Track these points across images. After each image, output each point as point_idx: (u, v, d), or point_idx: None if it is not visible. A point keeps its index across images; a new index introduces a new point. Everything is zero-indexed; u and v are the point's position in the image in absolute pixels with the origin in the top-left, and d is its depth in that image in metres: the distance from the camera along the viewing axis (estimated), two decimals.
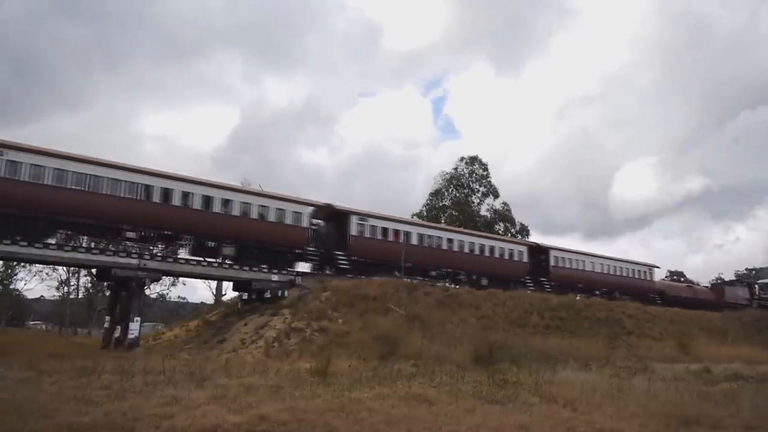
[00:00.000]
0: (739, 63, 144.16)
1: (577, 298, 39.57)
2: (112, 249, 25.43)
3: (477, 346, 20.97)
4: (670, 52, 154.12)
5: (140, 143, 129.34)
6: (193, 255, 28.18)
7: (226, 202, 27.88)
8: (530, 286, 39.71)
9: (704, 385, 15.57)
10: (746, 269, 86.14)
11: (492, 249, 38.89)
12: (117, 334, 24.57)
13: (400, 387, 11.69)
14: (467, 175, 64.12)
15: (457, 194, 63.24)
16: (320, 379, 12.42)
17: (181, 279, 51.24)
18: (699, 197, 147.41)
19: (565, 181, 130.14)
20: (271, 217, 29.35)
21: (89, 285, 58.17)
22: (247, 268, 28.29)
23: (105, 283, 42.37)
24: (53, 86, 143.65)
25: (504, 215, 63.39)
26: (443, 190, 63.38)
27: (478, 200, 63.97)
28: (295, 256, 30.79)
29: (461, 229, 40.56)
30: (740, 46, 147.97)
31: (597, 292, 42.60)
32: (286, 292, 28.29)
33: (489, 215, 63.07)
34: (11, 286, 62.45)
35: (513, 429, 8.59)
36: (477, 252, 37.99)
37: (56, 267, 51.65)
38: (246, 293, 29.35)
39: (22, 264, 50.26)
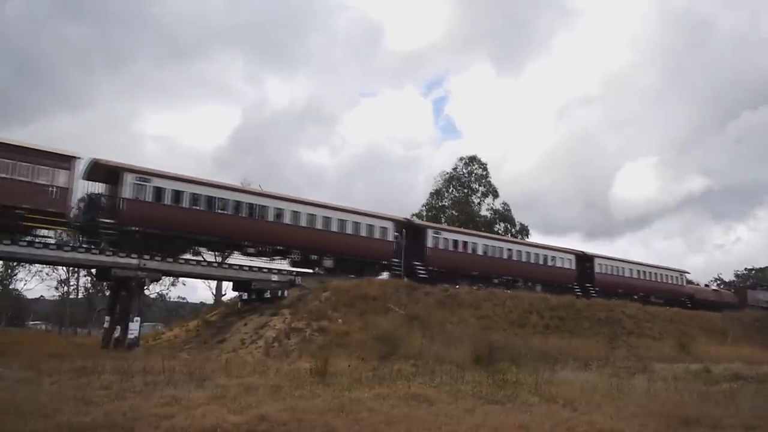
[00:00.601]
0: (740, 63, 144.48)
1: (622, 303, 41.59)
2: (112, 249, 25.44)
3: (477, 346, 20.98)
4: (671, 53, 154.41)
5: (141, 143, 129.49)
6: (298, 267, 30.74)
7: (326, 220, 31.05)
8: (578, 292, 41.63)
9: (704, 385, 15.57)
10: (745, 269, 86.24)
11: (545, 258, 41.56)
12: (117, 334, 24.55)
13: (399, 387, 11.69)
14: (467, 175, 64.15)
15: (457, 194, 63.27)
16: (320, 379, 12.41)
17: (180, 279, 51.35)
18: (700, 197, 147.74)
19: (565, 181, 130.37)
20: (363, 232, 32.51)
21: (89, 285, 58.23)
22: (247, 268, 28.32)
23: (105, 283, 42.43)
24: (55, 86, 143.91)
25: (504, 215, 63.40)
26: (443, 190, 63.41)
27: (478, 200, 64.01)
28: (382, 266, 33.64)
29: (519, 240, 42.91)
30: (741, 47, 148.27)
31: (635, 297, 44.67)
32: (285, 292, 28.29)
33: (489, 215, 63.09)
34: (11, 286, 62.52)
35: (513, 429, 8.59)
36: (532, 261, 40.55)
37: (56, 267, 51.74)
38: (246, 293, 29.34)
39: (22, 264, 50.38)
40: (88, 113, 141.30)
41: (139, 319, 24.54)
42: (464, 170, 64.25)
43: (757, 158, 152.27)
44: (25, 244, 23.30)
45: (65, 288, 59.27)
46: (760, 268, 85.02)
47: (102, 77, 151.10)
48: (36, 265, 49.11)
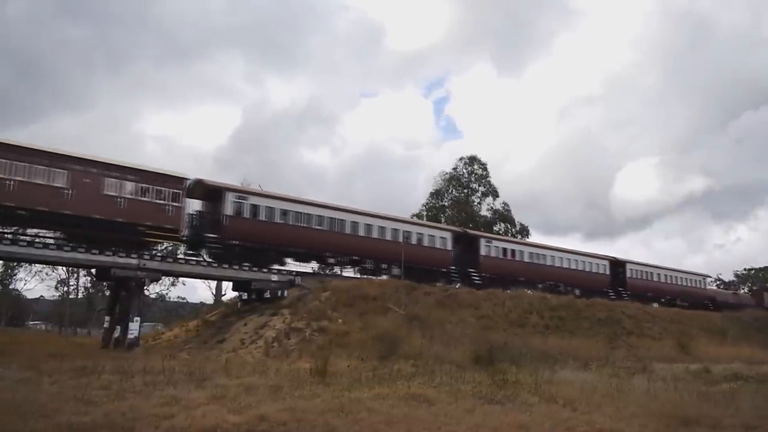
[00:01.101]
0: (742, 63, 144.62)
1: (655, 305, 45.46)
2: (112, 249, 25.48)
3: (477, 346, 20.99)
4: (673, 53, 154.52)
5: (142, 143, 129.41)
6: (369, 275, 33.16)
7: (394, 232, 34.07)
8: (612, 296, 44.08)
9: (704, 385, 15.57)
10: (745, 269, 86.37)
11: (583, 263, 44.52)
12: (117, 334, 24.54)
13: (399, 387, 11.69)
14: (467, 175, 64.16)
15: (457, 194, 63.27)
16: (320, 379, 12.41)
17: (180, 279, 51.37)
18: (701, 197, 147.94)
19: (566, 181, 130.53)
20: (425, 242, 35.67)
21: (89, 285, 58.23)
22: (246, 267, 28.32)
23: (104, 283, 42.42)
24: (56, 87, 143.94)
25: (504, 215, 63.43)
26: (443, 190, 63.42)
27: (478, 200, 64.03)
28: (442, 274, 35.92)
29: (559, 247, 45.15)
30: (742, 47, 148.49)
31: (662, 300, 48.07)
32: (285, 292, 28.29)
33: (489, 215, 63.12)
34: (11, 286, 62.50)
35: (513, 429, 8.59)
36: (572, 267, 43.48)
37: (56, 267, 51.74)
38: (246, 293, 29.34)
39: (22, 264, 50.38)
40: (89, 114, 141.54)
41: (138, 319, 24.54)
42: (464, 170, 64.32)
43: (758, 158, 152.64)
44: (25, 244, 23.31)
45: (65, 288, 59.31)
46: (760, 268, 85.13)
47: (103, 77, 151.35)
48: (36, 265, 49.16)
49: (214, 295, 50.43)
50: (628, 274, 46.88)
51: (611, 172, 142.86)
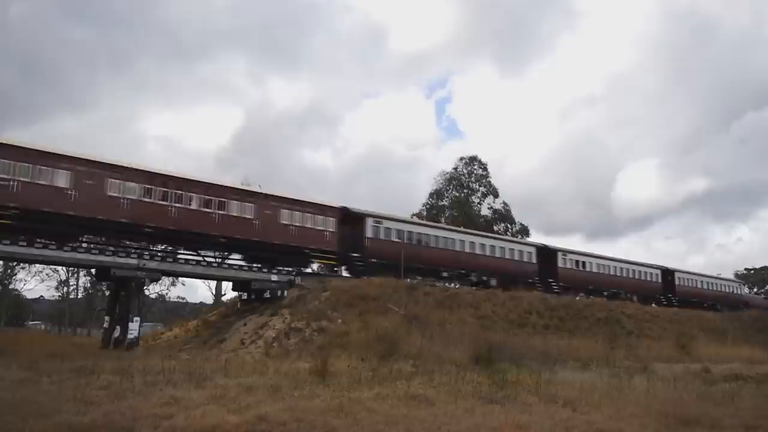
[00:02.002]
0: (744, 63, 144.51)
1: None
2: (112, 249, 25.49)
3: (476, 346, 20.97)
4: (675, 53, 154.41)
5: (143, 143, 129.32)
6: (473, 286, 37.10)
7: (492, 248, 39.32)
8: (664, 303, 48.51)
9: (704, 385, 15.57)
10: (745, 269, 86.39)
11: (639, 272, 48.86)
12: (116, 334, 24.52)
13: (399, 387, 11.69)
14: (467, 175, 64.18)
15: (457, 194, 63.27)
16: (319, 379, 12.41)
17: (180, 279, 51.33)
18: (702, 198, 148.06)
19: (568, 181, 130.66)
20: (516, 256, 40.73)
21: (89, 285, 58.24)
22: (246, 267, 28.33)
23: (104, 283, 42.41)
24: (58, 87, 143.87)
25: (504, 215, 63.47)
26: (443, 190, 63.43)
27: (478, 200, 64.05)
28: (527, 284, 39.36)
29: (618, 257, 49.60)
30: (745, 47, 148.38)
31: (705, 305, 51.53)
32: (285, 292, 28.29)
33: (489, 215, 63.15)
34: (11, 286, 62.49)
35: (512, 429, 8.59)
36: (631, 276, 47.90)
37: (56, 267, 51.77)
38: (245, 293, 29.35)
39: (22, 264, 50.38)
40: (91, 114, 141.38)
41: (138, 319, 24.53)
42: (464, 170, 64.34)
43: (760, 158, 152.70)
44: (24, 243, 23.30)
45: (65, 288, 59.33)
46: (760, 268, 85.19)
47: (105, 78, 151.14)
48: (36, 265, 49.16)
49: (214, 295, 50.48)
50: (677, 282, 51.29)
51: (613, 173, 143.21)
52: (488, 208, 63.72)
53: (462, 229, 41.30)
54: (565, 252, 44.13)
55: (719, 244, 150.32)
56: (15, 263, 50.64)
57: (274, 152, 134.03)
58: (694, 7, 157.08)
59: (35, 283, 61.81)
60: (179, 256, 28.35)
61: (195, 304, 64.89)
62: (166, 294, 60.55)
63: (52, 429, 7.31)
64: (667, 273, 51.02)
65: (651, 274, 49.63)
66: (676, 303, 48.52)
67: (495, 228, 60.24)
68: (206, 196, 26.88)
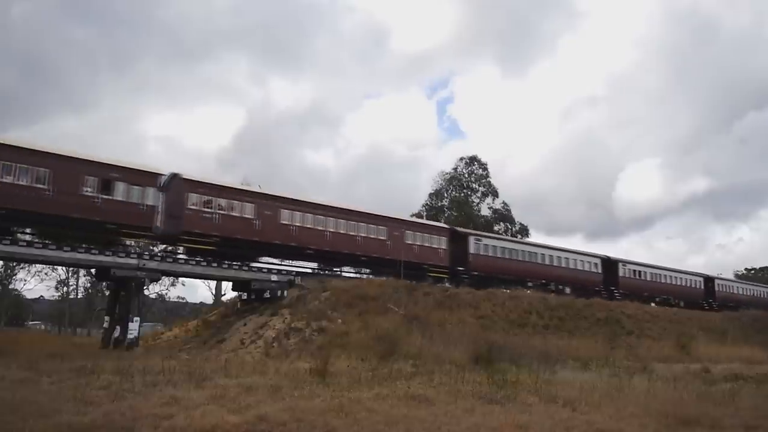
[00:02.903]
0: (745, 63, 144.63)
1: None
2: (111, 249, 25.49)
3: (476, 346, 20.98)
4: (676, 53, 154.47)
5: (145, 144, 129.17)
6: (549, 293, 40.04)
7: (566, 260, 44.12)
8: (706, 308, 52.50)
9: (704, 385, 15.57)
10: (745, 269, 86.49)
11: (687, 280, 53.82)
12: (116, 334, 24.52)
13: (399, 387, 11.69)
14: (467, 176, 64.16)
15: (457, 194, 63.25)
16: (319, 379, 12.40)
17: (180, 279, 51.29)
18: (703, 198, 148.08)
19: (569, 181, 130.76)
20: (585, 267, 45.26)
21: (89, 285, 58.20)
22: (246, 267, 28.33)
23: (104, 283, 42.40)
24: (59, 87, 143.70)
25: (504, 215, 63.45)
26: (443, 190, 63.41)
27: (478, 200, 64.03)
28: (594, 291, 43.59)
29: (666, 266, 54.23)
30: (746, 47, 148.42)
31: (743, 308, 54.97)
32: (285, 292, 28.29)
33: (489, 215, 63.13)
34: (11, 286, 62.46)
35: (512, 429, 8.58)
36: (681, 283, 53.06)
37: (56, 267, 51.73)
38: (245, 293, 29.35)
39: (22, 264, 50.36)
40: (93, 114, 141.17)
41: (138, 319, 24.54)
42: (464, 170, 64.32)
43: (761, 158, 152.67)
44: (24, 244, 23.32)
45: (65, 288, 59.31)
46: (760, 268, 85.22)
47: (107, 78, 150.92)
48: (36, 265, 49.15)
49: (214, 295, 50.46)
50: (717, 288, 56.13)
51: (614, 173, 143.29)
52: (488, 208, 63.78)
53: (542, 243, 46.19)
54: (625, 262, 49.11)
55: (720, 244, 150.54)
56: (15, 263, 50.60)
57: (276, 152, 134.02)
58: (695, 7, 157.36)
59: (35, 283, 61.82)
60: (179, 256, 28.38)
61: (195, 304, 64.84)
62: (166, 294, 60.55)
63: (52, 429, 7.30)
64: (708, 280, 56.49)
65: (695, 281, 55.01)
66: (716, 308, 53.22)
67: (495, 228, 60.22)
68: (350, 221, 32.29)
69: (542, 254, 42.46)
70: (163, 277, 37.82)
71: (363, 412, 9.02)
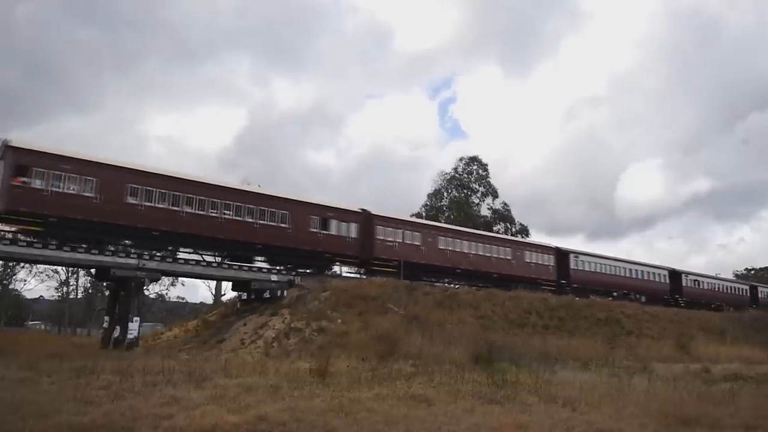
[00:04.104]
0: (748, 64, 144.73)
1: None
2: (111, 249, 25.49)
3: (476, 346, 20.98)
4: (679, 53, 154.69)
5: (146, 144, 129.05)
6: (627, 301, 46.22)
7: (642, 272, 50.53)
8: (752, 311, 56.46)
9: (703, 385, 15.57)
10: (745, 269, 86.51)
11: (733, 288, 60.94)
12: (116, 334, 24.53)
13: (399, 387, 11.68)
14: (467, 176, 64.16)
15: (457, 194, 63.25)
16: (319, 379, 12.40)
17: (180, 279, 51.34)
18: (704, 198, 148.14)
19: (571, 181, 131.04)
20: (655, 278, 51.58)
21: (88, 285, 58.21)
22: (246, 267, 28.32)
23: (104, 283, 42.39)
24: (63, 87, 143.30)
25: (504, 215, 63.47)
26: (443, 190, 63.42)
27: (478, 200, 64.04)
28: (663, 299, 49.51)
29: (720, 277, 62.54)
30: (749, 47, 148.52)
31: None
32: (285, 292, 28.29)
33: (489, 215, 63.15)
34: (11, 286, 62.46)
35: (512, 429, 8.58)
36: (729, 291, 59.57)
37: (57, 269, 51.76)
38: (245, 293, 29.35)
39: (22, 264, 50.36)
40: (96, 114, 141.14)
41: (138, 319, 24.55)
42: (464, 171, 64.32)
43: (763, 159, 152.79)
44: (24, 244, 23.32)
45: (65, 288, 59.29)
46: (760, 268, 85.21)
47: (110, 79, 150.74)
48: (36, 265, 49.15)
49: (214, 295, 50.49)
50: (760, 295, 62.13)
51: (616, 173, 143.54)
52: (488, 209, 63.82)
53: (624, 258, 52.19)
54: (687, 273, 55.93)
55: (721, 244, 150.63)
56: (15, 263, 50.60)
57: (277, 152, 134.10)
58: (697, 8, 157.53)
59: (35, 283, 61.79)
60: (179, 256, 28.37)
61: (195, 304, 64.84)
62: (166, 294, 60.65)
63: (52, 429, 7.30)
64: (753, 288, 63.10)
65: (743, 289, 61.80)
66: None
67: (495, 228, 60.25)
68: (485, 245, 39.74)
69: (624, 267, 49.19)
70: (163, 277, 37.85)
71: (363, 412, 9.02)
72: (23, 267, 53.93)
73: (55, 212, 23.74)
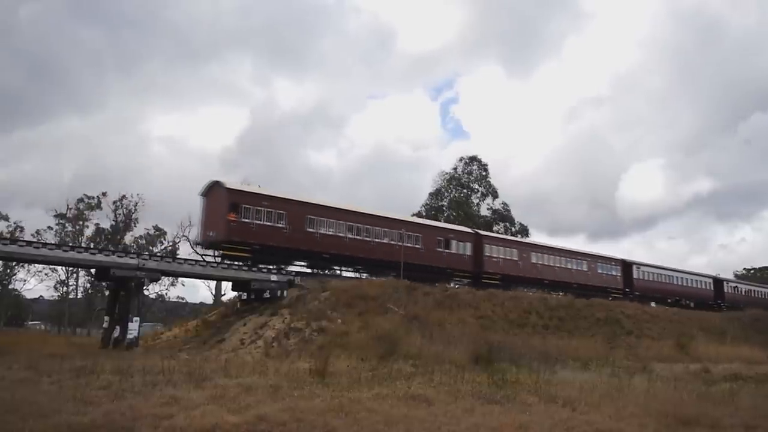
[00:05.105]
0: (750, 64, 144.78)
1: None
2: (111, 248, 25.52)
3: (476, 346, 20.98)
4: (681, 54, 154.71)
5: (149, 144, 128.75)
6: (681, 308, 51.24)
7: (691, 280, 55.46)
8: None
9: (703, 385, 15.57)
10: (744, 269, 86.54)
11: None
12: (116, 334, 24.49)
13: (399, 387, 11.69)
14: (467, 176, 64.19)
15: (457, 194, 63.27)
16: (319, 379, 12.40)
17: (180, 279, 51.33)
18: (706, 198, 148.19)
19: (573, 182, 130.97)
20: (702, 286, 56.23)
21: (88, 285, 58.16)
22: (246, 267, 28.32)
23: (104, 283, 42.39)
24: (65, 87, 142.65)
25: (504, 215, 63.48)
26: (443, 190, 63.42)
27: (478, 200, 64.05)
28: (707, 305, 53.93)
29: (759, 284, 67.06)
30: (751, 48, 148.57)
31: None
32: (285, 292, 28.26)
33: (489, 215, 63.16)
34: (10, 286, 62.43)
35: (512, 429, 8.59)
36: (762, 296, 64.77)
37: (55, 267, 51.71)
38: (245, 293, 29.31)
39: (22, 264, 50.33)
40: (98, 115, 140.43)
41: (138, 319, 24.52)
42: (464, 170, 64.33)
43: (765, 159, 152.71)
44: (24, 243, 23.32)
45: (64, 288, 59.25)
46: (759, 268, 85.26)
47: (112, 79, 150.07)
48: (36, 265, 49.13)
49: (214, 295, 50.49)
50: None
51: (617, 173, 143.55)
52: (488, 209, 63.83)
53: (675, 267, 57.04)
54: (729, 281, 61.48)
55: (722, 245, 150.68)
56: (15, 263, 50.60)
57: (279, 153, 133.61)
58: (700, 8, 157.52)
59: (35, 282, 61.79)
60: (178, 256, 28.37)
61: (195, 304, 64.76)
62: (166, 294, 60.55)
63: (52, 429, 7.30)
64: None
65: None
66: None
67: (494, 228, 60.27)
68: (567, 258, 45.18)
69: (677, 276, 54.16)
70: (163, 277, 37.82)
71: (363, 412, 9.02)
72: (23, 267, 53.95)
73: (258, 240, 28.92)
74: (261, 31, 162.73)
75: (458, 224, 49.42)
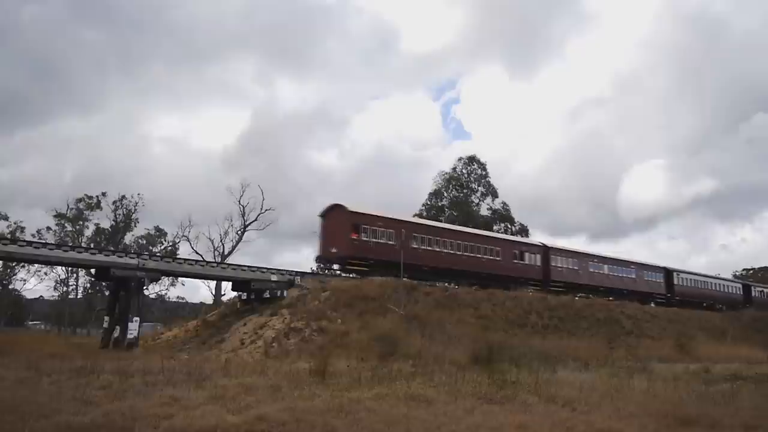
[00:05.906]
0: (753, 65, 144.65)
1: None
2: (111, 248, 25.53)
3: (476, 346, 20.98)
4: (684, 54, 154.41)
5: (150, 144, 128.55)
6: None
7: (724, 285, 59.83)
8: None
9: (703, 385, 15.56)
10: (744, 269, 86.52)
11: None
12: (116, 334, 24.52)
13: (399, 387, 11.67)
14: (466, 175, 64.20)
15: (457, 194, 63.28)
16: (319, 379, 12.40)
17: (180, 279, 51.37)
18: (708, 199, 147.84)
19: (574, 182, 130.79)
20: (733, 291, 59.83)
21: (88, 285, 58.19)
22: (246, 267, 28.33)
23: (104, 283, 42.43)
24: (68, 88, 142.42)
25: (504, 215, 63.49)
26: (442, 190, 63.43)
27: (478, 200, 64.06)
28: (736, 308, 55.66)
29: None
30: (754, 48, 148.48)
31: None
32: (285, 292, 28.29)
33: (489, 215, 63.17)
34: (10, 286, 62.44)
35: (512, 429, 8.58)
36: None
37: (55, 267, 51.74)
38: (245, 293, 29.35)
39: (22, 264, 50.36)
40: (100, 115, 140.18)
41: (138, 319, 24.55)
42: (464, 170, 64.35)
43: (767, 160, 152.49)
44: (24, 243, 23.33)
45: (64, 288, 59.29)
46: (759, 268, 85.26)
47: (115, 80, 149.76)
48: (36, 265, 49.16)
49: (214, 295, 50.51)
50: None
51: (619, 173, 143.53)
52: (487, 209, 63.84)
53: (711, 275, 60.71)
54: (756, 285, 64.76)
55: (723, 245, 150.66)
56: (15, 263, 50.61)
57: (281, 153, 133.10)
58: (702, 9, 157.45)
59: (35, 282, 61.89)
60: (178, 256, 28.39)
61: (195, 304, 64.82)
62: (166, 294, 60.66)
63: (52, 429, 7.30)
64: None
65: None
66: None
67: (494, 228, 60.29)
68: (612, 265, 47.86)
69: (711, 282, 57.69)
70: (163, 277, 37.86)
71: (363, 412, 9.02)
72: (23, 266, 53.97)
73: (375, 256, 32.78)
74: (263, 32, 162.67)
75: (458, 224, 49.57)
